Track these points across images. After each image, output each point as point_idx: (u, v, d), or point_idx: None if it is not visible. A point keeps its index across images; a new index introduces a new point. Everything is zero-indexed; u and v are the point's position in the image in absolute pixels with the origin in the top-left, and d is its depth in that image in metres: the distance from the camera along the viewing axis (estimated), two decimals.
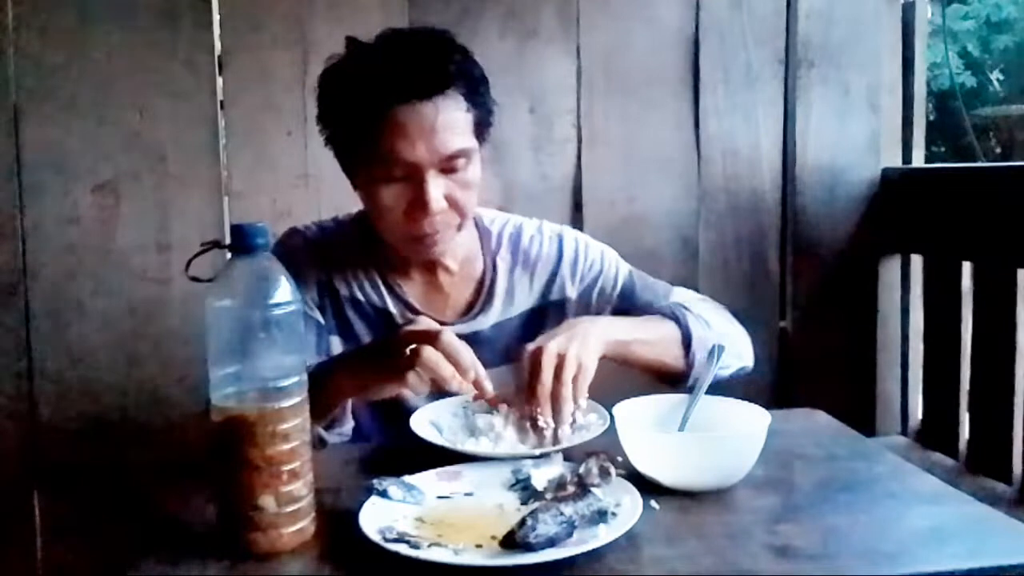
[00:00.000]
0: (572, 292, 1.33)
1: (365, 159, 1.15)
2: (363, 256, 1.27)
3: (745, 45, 1.98)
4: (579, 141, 1.95)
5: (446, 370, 0.98)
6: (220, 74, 1.80)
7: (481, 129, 1.19)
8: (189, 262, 0.86)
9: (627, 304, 1.33)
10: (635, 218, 1.97)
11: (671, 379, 1.25)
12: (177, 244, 1.79)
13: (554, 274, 1.33)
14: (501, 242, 1.34)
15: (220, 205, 1.81)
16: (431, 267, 1.27)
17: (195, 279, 0.86)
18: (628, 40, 1.95)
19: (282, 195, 1.83)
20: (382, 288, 1.27)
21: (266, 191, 1.83)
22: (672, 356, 1.22)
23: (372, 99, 1.11)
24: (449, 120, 1.12)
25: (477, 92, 1.17)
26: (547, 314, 1.32)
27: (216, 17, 1.79)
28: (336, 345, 1.26)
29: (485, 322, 1.29)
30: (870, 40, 2.03)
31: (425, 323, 1.04)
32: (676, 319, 1.24)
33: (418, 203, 1.13)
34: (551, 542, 0.76)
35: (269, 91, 1.81)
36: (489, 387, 1.03)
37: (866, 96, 2.03)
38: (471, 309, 1.29)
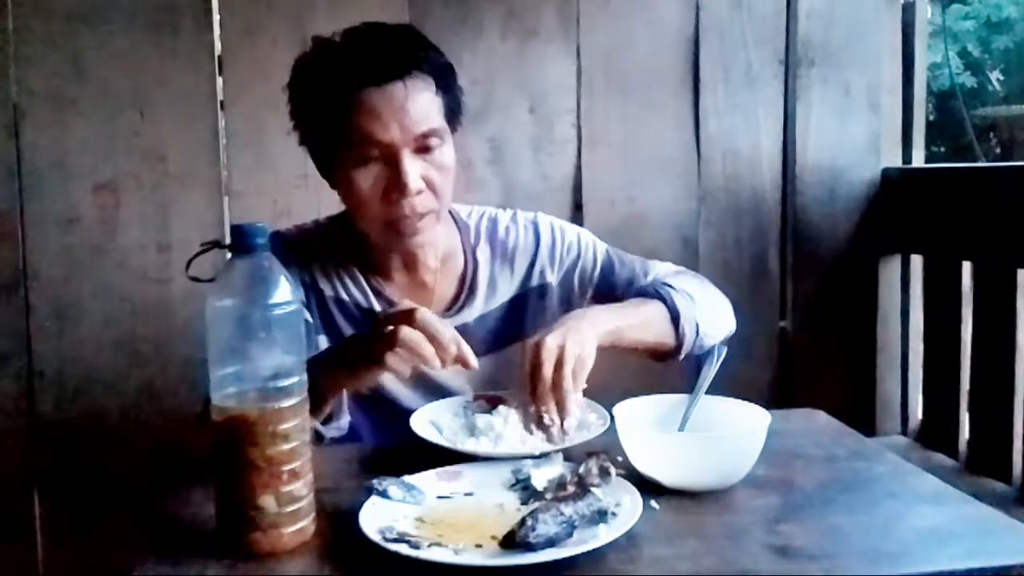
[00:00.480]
0: (552, 278, 1.34)
1: (340, 148, 1.16)
2: (345, 257, 1.28)
3: (745, 45, 1.98)
4: (579, 141, 1.95)
5: (426, 349, 0.98)
6: (220, 74, 1.80)
7: (452, 115, 1.20)
8: (189, 262, 0.86)
9: (608, 283, 1.34)
10: (635, 218, 1.97)
11: (664, 356, 1.27)
12: (177, 244, 1.79)
13: (533, 261, 1.34)
14: (479, 235, 1.34)
15: (220, 205, 1.81)
16: (412, 264, 1.27)
17: (195, 279, 0.86)
18: (628, 40, 1.95)
19: (282, 195, 1.83)
20: (366, 288, 1.27)
21: (266, 191, 1.83)
22: (663, 334, 1.24)
23: (341, 84, 1.13)
24: (419, 100, 1.14)
25: (445, 77, 1.19)
26: (528, 300, 1.33)
27: (216, 17, 1.79)
28: (324, 344, 1.26)
29: (469, 315, 1.29)
30: (870, 40, 2.03)
31: (402, 305, 1.04)
32: (661, 298, 1.25)
33: (395, 183, 1.14)
34: (551, 542, 0.76)
35: (269, 91, 1.80)
36: (474, 361, 1.02)
37: (866, 96, 2.03)
38: (455, 304, 1.30)
